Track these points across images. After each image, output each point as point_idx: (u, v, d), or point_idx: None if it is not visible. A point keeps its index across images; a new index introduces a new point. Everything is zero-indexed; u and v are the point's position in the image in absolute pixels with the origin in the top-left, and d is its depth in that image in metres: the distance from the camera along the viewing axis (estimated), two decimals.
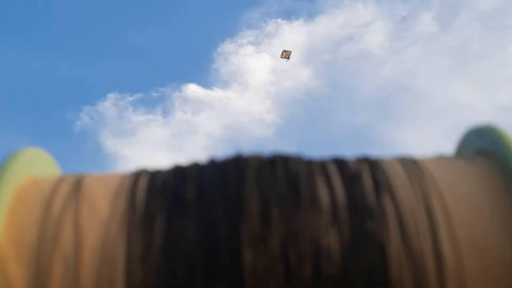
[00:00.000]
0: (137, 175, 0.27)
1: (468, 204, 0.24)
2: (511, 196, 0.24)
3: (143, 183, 0.26)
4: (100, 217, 0.24)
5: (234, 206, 0.23)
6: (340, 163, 0.26)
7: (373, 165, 0.26)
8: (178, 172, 0.26)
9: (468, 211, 0.24)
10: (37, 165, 0.29)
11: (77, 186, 0.26)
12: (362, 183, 0.24)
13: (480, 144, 0.27)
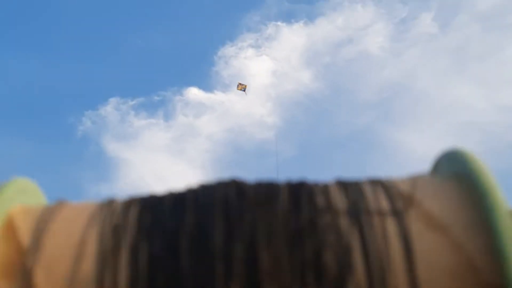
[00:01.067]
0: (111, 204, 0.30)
1: (436, 224, 0.27)
2: (478, 217, 0.27)
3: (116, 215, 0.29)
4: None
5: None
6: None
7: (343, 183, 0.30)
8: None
9: (434, 232, 0.27)
10: (26, 194, 0.32)
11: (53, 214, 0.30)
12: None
13: (452, 167, 0.30)
